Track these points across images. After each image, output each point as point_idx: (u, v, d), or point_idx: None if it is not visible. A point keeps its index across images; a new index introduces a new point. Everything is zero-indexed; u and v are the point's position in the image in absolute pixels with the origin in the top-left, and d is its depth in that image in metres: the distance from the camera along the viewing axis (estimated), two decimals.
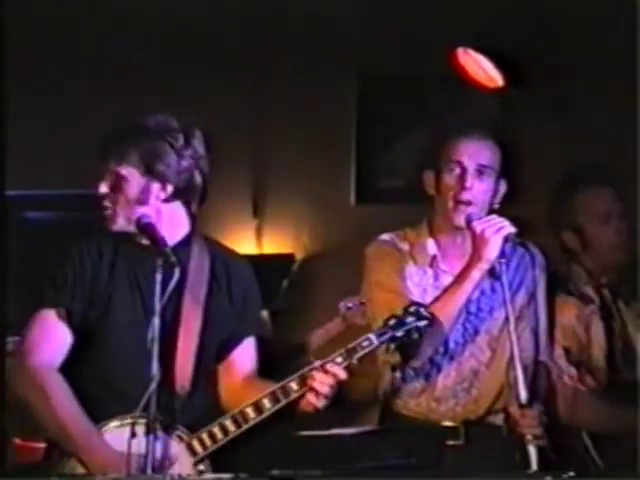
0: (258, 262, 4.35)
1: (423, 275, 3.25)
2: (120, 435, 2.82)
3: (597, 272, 3.46)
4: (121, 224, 2.94)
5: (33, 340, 2.92)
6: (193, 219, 3.05)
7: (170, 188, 2.93)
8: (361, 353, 2.82)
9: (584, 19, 4.62)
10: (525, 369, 2.96)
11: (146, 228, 2.86)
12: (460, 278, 3.07)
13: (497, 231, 3.01)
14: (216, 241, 3.18)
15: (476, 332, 3.18)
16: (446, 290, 3.11)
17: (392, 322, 2.85)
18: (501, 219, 3.02)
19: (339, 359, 2.81)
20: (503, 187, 3.20)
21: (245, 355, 3.06)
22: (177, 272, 2.74)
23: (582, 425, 3.30)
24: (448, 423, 3.16)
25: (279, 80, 4.94)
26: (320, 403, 2.81)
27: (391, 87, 5.01)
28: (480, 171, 3.11)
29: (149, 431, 2.70)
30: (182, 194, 2.96)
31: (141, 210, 2.94)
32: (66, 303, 2.91)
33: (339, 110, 5.05)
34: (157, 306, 2.70)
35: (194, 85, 4.85)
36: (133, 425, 2.76)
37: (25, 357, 2.91)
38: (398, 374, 3.20)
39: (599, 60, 4.73)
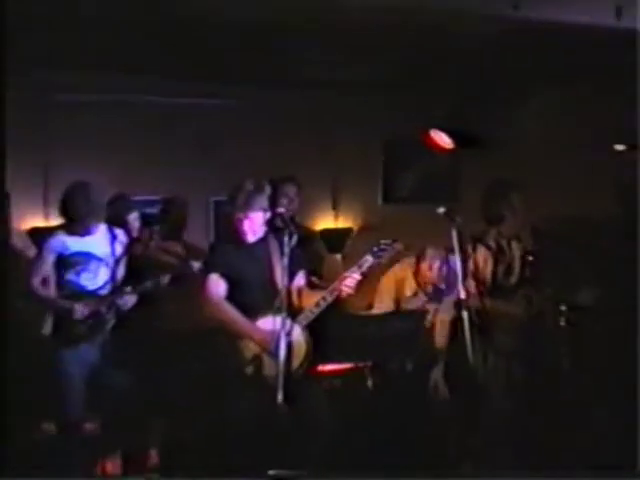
0: (336, 232, 6.68)
1: None
2: (265, 321, 3.93)
3: (506, 233, 4.57)
4: (253, 237, 4.04)
5: (210, 291, 4.00)
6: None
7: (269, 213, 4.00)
8: (364, 267, 3.83)
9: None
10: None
11: (280, 216, 3.93)
12: None
13: None
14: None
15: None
16: None
17: (375, 249, 3.79)
18: None
19: (356, 269, 3.83)
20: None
21: (300, 279, 4.10)
22: (295, 237, 3.75)
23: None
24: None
25: (344, 146, 6.66)
26: (350, 291, 3.82)
27: (405, 150, 6.86)
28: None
29: (280, 314, 3.73)
30: None
31: (260, 227, 3.98)
32: (220, 269, 4.00)
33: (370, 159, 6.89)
34: (286, 249, 3.75)
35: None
36: (275, 315, 3.82)
37: (210, 299, 3.98)
38: None
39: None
